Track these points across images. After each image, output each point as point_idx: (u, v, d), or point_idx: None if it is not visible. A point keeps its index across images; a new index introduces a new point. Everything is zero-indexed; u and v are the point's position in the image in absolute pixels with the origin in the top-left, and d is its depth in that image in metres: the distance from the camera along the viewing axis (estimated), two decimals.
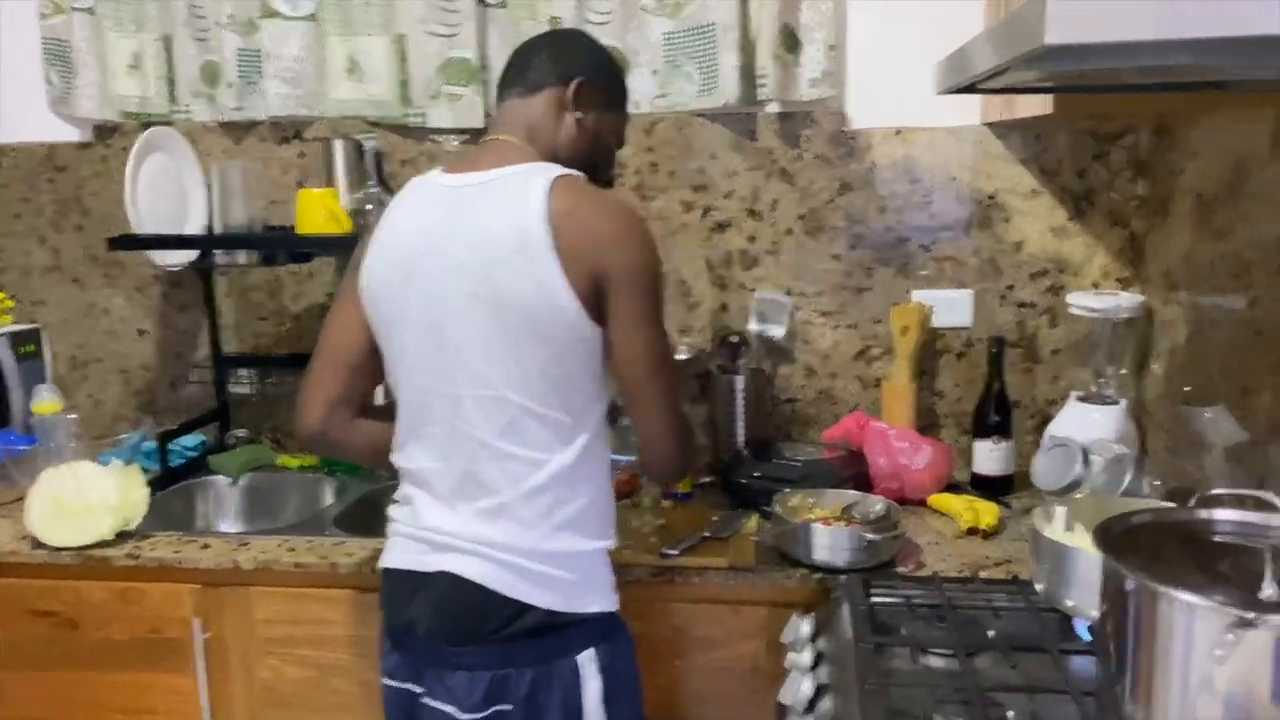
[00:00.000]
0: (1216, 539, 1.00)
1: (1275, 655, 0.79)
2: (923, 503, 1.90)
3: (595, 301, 1.27)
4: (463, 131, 2.14)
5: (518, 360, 1.28)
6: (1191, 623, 0.83)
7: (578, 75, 1.39)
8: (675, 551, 1.62)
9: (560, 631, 1.31)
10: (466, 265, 1.28)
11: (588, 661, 1.32)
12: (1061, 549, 1.35)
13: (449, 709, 1.32)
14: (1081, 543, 1.42)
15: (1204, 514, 1.03)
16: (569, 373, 1.29)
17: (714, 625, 1.64)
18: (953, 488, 1.95)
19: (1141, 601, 0.88)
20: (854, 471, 1.88)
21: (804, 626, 1.49)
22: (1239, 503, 1.06)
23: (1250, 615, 0.78)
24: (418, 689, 1.36)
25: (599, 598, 1.35)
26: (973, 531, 1.76)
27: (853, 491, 1.75)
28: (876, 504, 1.68)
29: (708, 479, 2.02)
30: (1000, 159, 2.04)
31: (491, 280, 1.27)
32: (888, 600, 1.50)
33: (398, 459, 1.41)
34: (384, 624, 1.42)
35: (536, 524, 1.31)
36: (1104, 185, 2.02)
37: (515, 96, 1.40)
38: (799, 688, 1.32)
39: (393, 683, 1.40)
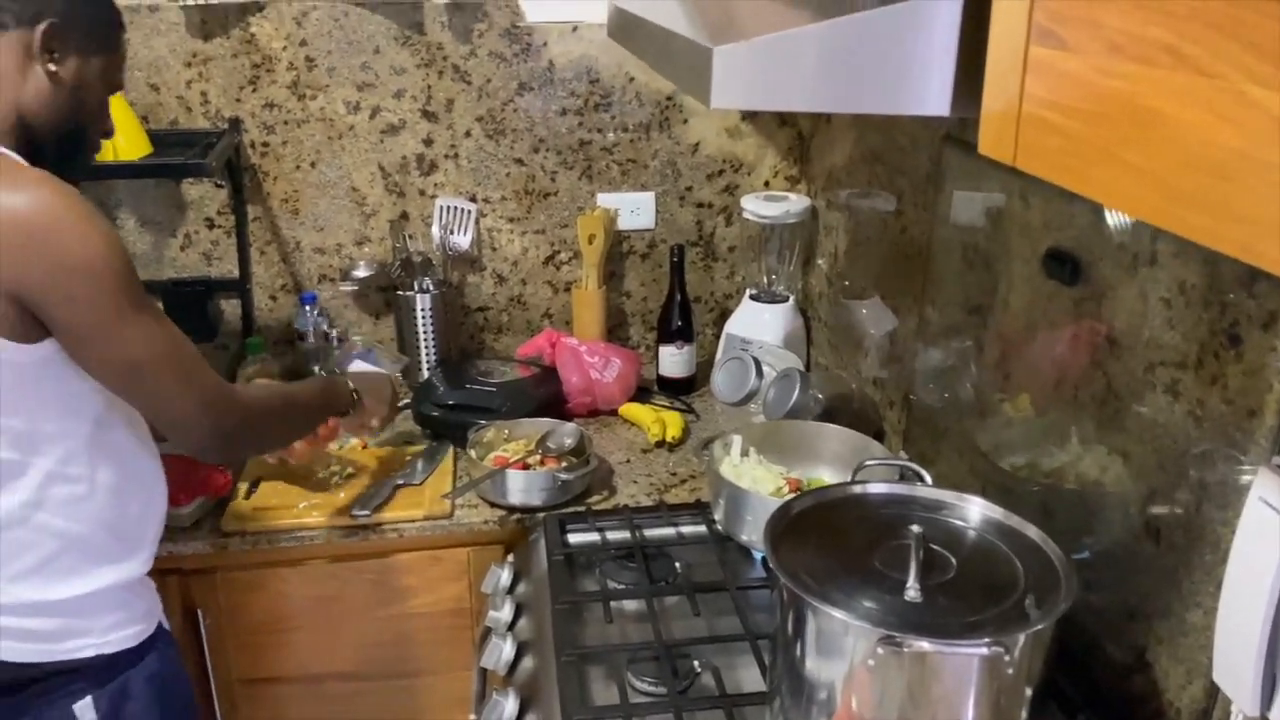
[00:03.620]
0: (873, 516, 1.08)
1: (918, 669, 0.89)
2: (614, 412, 1.94)
3: (22, 318, 1.07)
4: None
5: None
6: (846, 636, 0.91)
7: (47, 15, 1.13)
8: (366, 513, 1.56)
9: (45, 682, 1.18)
10: None
11: (86, 710, 1.20)
12: (737, 491, 1.43)
13: None
14: (755, 473, 1.52)
15: (859, 489, 1.12)
16: (6, 406, 1.11)
17: (414, 574, 1.62)
18: (642, 390, 2.01)
19: (804, 610, 0.95)
20: (548, 390, 1.88)
21: (503, 576, 1.51)
22: (890, 474, 1.17)
23: (896, 636, 0.87)
24: None
25: (95, 641, 1.20)
26: (660, 444, 1.84)
27: (546, 420, 1.75)
28: (569, 436, 1.69)
29: (401, 404, 1.95)
30: None
31: None
32: (583, 539, 1.55)
33: None
34: None
35: None
36: None
37: None
38: (500, 653, 1.34)
39: None
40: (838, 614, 0.91)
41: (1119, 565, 1.10)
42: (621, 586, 1.41)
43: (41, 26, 1.13)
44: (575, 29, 1.95)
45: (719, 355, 2.01)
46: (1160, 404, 1.01)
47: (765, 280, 2.05)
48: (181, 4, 1.81)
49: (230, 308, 2.02)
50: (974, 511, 1.07)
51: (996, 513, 1.06)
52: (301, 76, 1.92)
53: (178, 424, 1.18)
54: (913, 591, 0.94)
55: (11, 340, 1.07)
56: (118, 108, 1.75)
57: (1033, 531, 1.02)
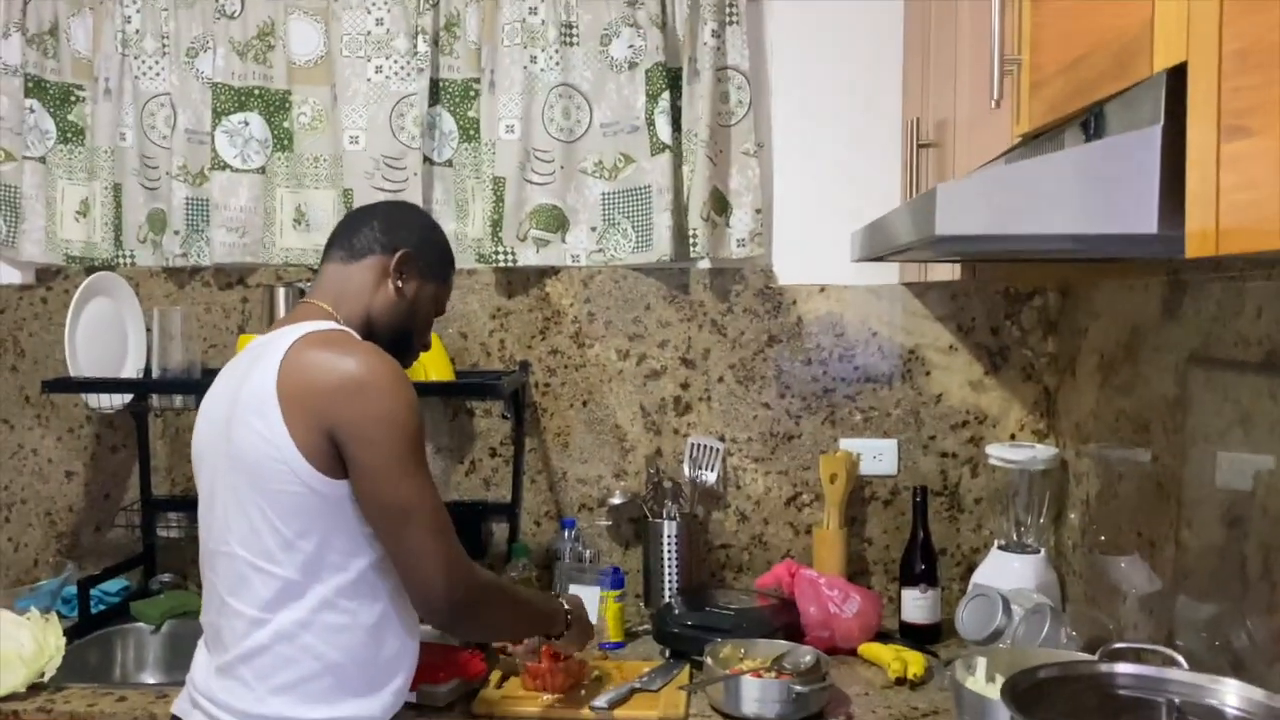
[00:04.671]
0: (1119, 692, 1.04)
1: None
2: (853, 652, 1.91)
3: (333, 455, 1.29)
4: None
5: (247, 515, 1.32)
6: None
7: (403, 246, 1.47)
8: (604, 705, 1.61)
9: None
10: (220, 424, 1.36)
11: None
12: (982, 701, 1.37)
13: None
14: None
15: (1106, 667, 1.08)
16: (304, 529, 1.30)
17: None
18: (882, 636, 1.97)
19: None
20: (785, 620, 1.90)
21: None
22: (1140, 656, 1.11)
23: None
24: None
25: None
26: (901, 681, 1.78)
27: (783, 642, 1.76)
28: (806, 655, 1.69)
29: (642, 627, 2.03)
30: (919, 316, 2.15)
31: (231, 438, 1.33)
32: None
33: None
34: None
35: (254, 685, 1.31)
36: (1016, 342, 2.14)
37: (337, 261, 1.47)
38: None
39: None
40: None
41: None
42: None
43: (399, 254, 1.47)
44: (823, 289, 2.16)
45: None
46: None
47: (1014, 533, 2.02)
48: (494, 266, 2.18)
49: (499, 530, 2.22)
50: (1232, 692, 1.00)
51: (1258, 694, 0.99)
52: (583, 328, 2.22)
53: (420, 577, 1.32)
54: None
55: (321, 473, 1.30)
56: (432, 345, 2.09)
57: None
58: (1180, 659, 1.10)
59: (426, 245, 1.52)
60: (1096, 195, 0.83)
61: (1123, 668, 1.07)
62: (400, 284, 1.47)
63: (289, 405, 1.29)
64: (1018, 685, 1.02)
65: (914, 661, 1.81)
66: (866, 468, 2.16)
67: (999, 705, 1.36)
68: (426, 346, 1.59)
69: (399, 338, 1.49)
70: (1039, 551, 1.97)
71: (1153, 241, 0.86)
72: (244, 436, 1.31)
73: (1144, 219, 0.82)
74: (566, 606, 1.62)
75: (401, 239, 1.48)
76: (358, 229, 1.49)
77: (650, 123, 2.09)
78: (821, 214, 2.14)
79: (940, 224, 0.86)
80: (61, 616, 1.88)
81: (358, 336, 1.41)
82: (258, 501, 1.31)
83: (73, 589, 2.06)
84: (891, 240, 1.08)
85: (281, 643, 1.31)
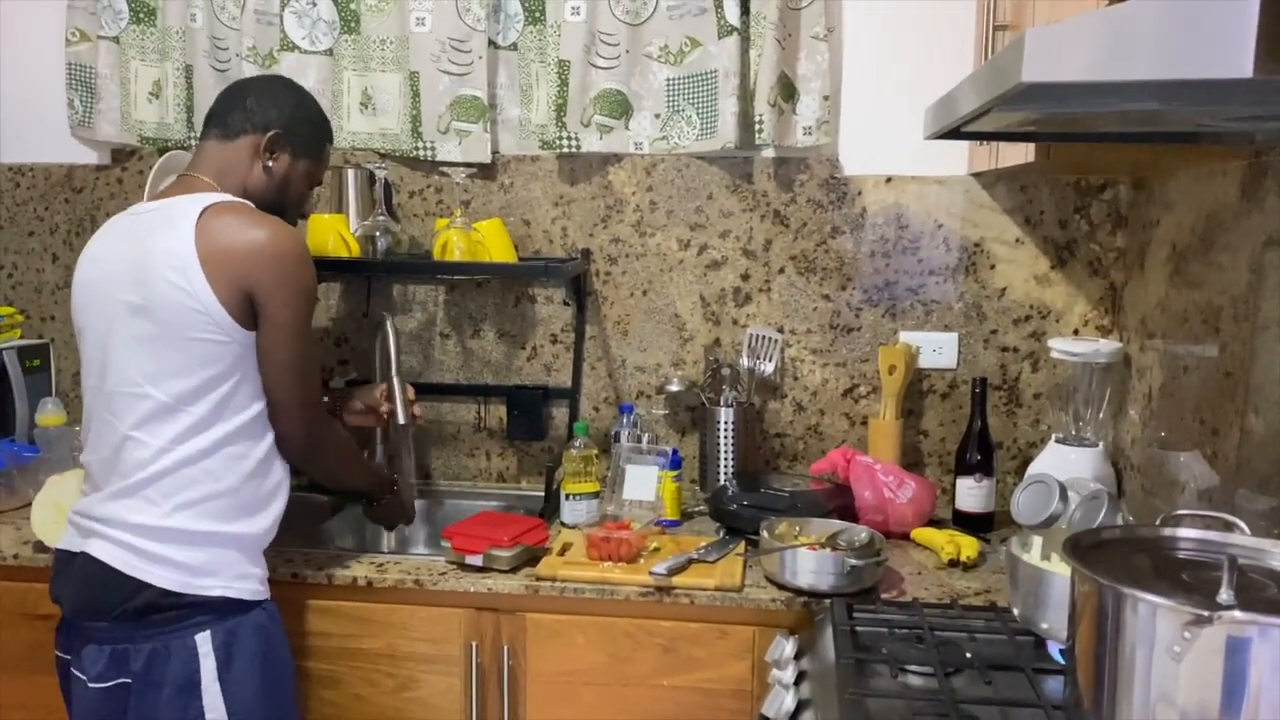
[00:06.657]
0: (1180, 554, 1.05)
1: (1228, 652, 0.85)
2: (906, 536, 1.95)
3: (248, 310, 1.47)
4: (470, 165, 2.22)
5: (162, 360, 1.46)
6: (1152, 622, 0.89)
7: (273, 127, 1.60)
8: (663, 571, 1.66)
9: (178, 611, 1.46)
10: (127, 279, 1.48)
11: (204, 641, 1.46)
12: (1038, 572, 1.40)
13: (83, 677, 1.49)
14: (1057, 568, 1.48)
15: (1168, 531, 1.09)
16: (217, 373, 1.47)
17: (700, 646, 1.68)
18: (935, 524, 2.00)
19: (1105, 604, 0.93)
20: (840, 503, 1.93)
21: (788, 646, 1.53)
22: (1202, 524, 1.13)
23: (1206, 613, 0.84)
24: (67, 657, 1.53)
25: (222, 584, 1.49)
26: (954, 563, 1.82)
27: (838, 521, 1.80)
28: (861, 533, 1.73)
29: (698, 508, 2.07)
30: (986, 208, 2.13)
31: (145, 290, 1.46)
32: (869, 623, 1.55)
33: (81, 456, 1.59)
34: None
35: (159, 502, 1.47)
36: (1085, 236, 2.11)
37: (215, 138, 1.61)
38: (782, 702, 1.36)
39: (57, 651, 1.56)
40: (1145, 596, 0.90)
41: None
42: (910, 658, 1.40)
43: (269, 134, 1.60)
44: (889, 180, 2.14)
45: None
46: None
47: (1073, 427, 2.02)
48: (558, 153, 2.18)
49: (559, 414, 2.27)
50: None
51: None
52: (644, 217, 2.22)
53: (289, 415, 1.54)
54: (1226, 595, 0.90)
55: (239, 325, 1.47)
56: (495, 229, 2.11)
57: None
58: (1243, 525, 1.11)
59: (296, 123, 1.64)
60: (1191, 39, 0.82)
61: (1185, 532, 1.08)
62: (270, 164, 1.61)
63: (210, 265, 1.44)
64: (1080, 542, 1.04)
65: (967, 545, 1.84)
66: (926, 361, 2.16)
67: (1055, 576, 1.39)
68: (305, 216, 1.74)
69: (273, 212, 1.59)
70: (1097, 445, 1.98)
71: (1246, 90, 0.84)
72: (163, 292, 1.45)
73: (1239, 63, 0.81)
74: (395, 479, 1.86)
75: (271, 119, 1.61)
76: (232, 108, 1.60)
77: (718, 4, 2.06)
78: (889, 103, 2.10)
79: (1028, 70, 0.85)
80: None
81: (255, 209, 1.54)
82: (177, 349, 1.46)
83: None
84: (970, 99, 1.07)
85: (186, 466, 1.47)
